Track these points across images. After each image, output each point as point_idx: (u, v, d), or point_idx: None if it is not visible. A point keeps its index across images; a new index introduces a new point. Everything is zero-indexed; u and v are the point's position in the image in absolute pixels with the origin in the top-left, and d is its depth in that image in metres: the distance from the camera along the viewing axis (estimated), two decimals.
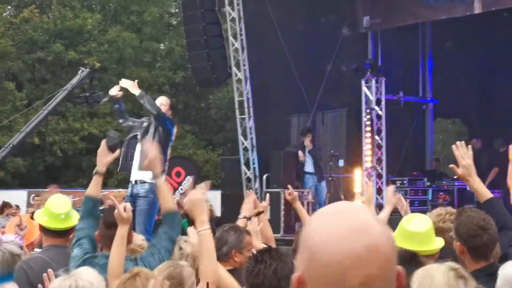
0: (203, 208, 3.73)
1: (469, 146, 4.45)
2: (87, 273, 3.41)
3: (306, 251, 1.59)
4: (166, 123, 9.57)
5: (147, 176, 8.78)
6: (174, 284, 3.86)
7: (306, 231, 1.61)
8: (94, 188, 4.81)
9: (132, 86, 9.60)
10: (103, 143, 4.80)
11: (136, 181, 9.39)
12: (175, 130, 9.86)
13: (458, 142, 3.94)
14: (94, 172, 4.83)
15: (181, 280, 3.96)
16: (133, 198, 9.17)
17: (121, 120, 10.27)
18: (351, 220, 1.58)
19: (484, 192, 4.22)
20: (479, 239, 4.02)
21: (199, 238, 3.74)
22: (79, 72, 15.67)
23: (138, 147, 9.42)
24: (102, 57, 28.62)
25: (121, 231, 4.32)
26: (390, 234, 1.58)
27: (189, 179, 16.09)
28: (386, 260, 1.54)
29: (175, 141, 29.38)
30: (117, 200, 4.51)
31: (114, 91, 10.04)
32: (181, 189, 16.15)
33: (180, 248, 4.79)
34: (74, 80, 15.47)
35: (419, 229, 4.31)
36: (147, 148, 4.67)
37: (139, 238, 5.20)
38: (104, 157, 4.81)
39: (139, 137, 9.62)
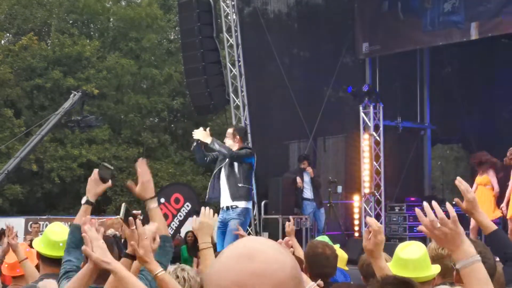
0: (210, 232, 3.97)
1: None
2: None
3: (204, 285, 1.61)
4: (242, 160, 10.27)
5: (237, 202, 10.08)
6: None
7: (209, 267, 1.61)
8: (82, 218, 4.68)
9: (205, 137, 10.10)
10: (96, 172, 4.71)
11: (227, 207, 10.25)
12: (255, 159, 10.53)
13: (458, 178, 3.93)
14: (84, 201, 4.72)
15: None
16: (223, 224, 10.07)
17: (206, 159, 10.76)
18: (242, 249, 1.56)
19: (488, 224, 4.21)
20: None
21: (159, 283, 3.75)
22: (71, 96, 15.70)
23: (223, 177, 10.33)
24: (101, 83, 28.67)
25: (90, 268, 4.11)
26: (287, 262, 1.55)
27: (188, 206, 16.05)
28: (275, 286, 1.50)
29: (173, 168, 29.31)
30: (115, 227, 4.46)
31: (198, 135, 10.38)
32: (180, 216, 16.09)
33: (177, 277, 4.75)
34: (66, 104, 15.50)
35: (412, 256, 4.33)
36: (140, 172, 4.61)
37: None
38: (95, 187, 4.72)
39: (223, 169, 10.35)
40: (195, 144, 10.46)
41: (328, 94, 17.24)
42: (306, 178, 15.35)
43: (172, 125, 33.12)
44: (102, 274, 4.21)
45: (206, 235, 3.99)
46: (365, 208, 15.50)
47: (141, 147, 29.87)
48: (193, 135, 10.28)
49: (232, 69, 16.29)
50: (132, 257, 4.05)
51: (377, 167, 15.75)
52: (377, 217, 15.59)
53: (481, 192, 12.72)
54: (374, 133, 15.74)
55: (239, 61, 16.24)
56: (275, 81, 16.65)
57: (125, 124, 29.89)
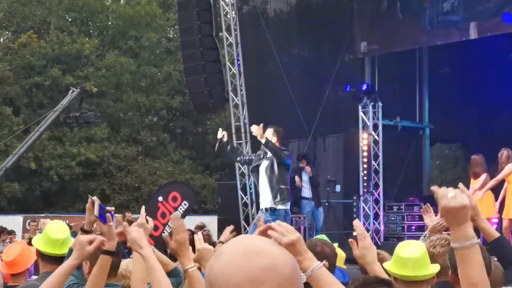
0: (187, 246, 3.85)
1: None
2: None
3: (208, 287, 1.61)
4: (285, 162, 10.68)
5: (278, 204, 10.48)
6: None
7: (208, 267, 1.62)
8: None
9: (261, 137, 10.44)
10: (91, 201, 4.68)
11: (266, 209, 10.68)
12: (291, 161, 11.16)
13: (460, 184, 3.93)
14: (81, 227, 4.73)
15: None
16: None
17: (238, 158, 11.49)
18: (245, 246, 1.60)
19: (491, 231, 4.23)
20: None
21: (188, 278, 3.78)
22: (70, 92, 15.67)
23: (262, 178, 10.75)
24: (100, 82, 28.68)
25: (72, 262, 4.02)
26: (289, 257, 1.60)
27: (186, 204, 16.03)
28: (285, 280, 1.54)
29: (172, 166, 29.36)
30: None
31: (220, 134, 11.29)
32: (177, 214, 16.05)
33: None
34: (65, 101, 15.48)
35: (411, 255, 4.34)
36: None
37: (123, 264, 5.14)
38: (91, 216, 4.72)
39: (262, 170, 10.76)
40: (228, 148, 11.27)
41: (327, 93, 17.24)
42: (305, 177, 15.36)
43: (171, 124, 33.13)
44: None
45: (187, 252, 3.88)
46: (363, 207, 15.50)
47: (140, 145, 29.89)
48: (251, 130, 10.68)
49: (231, 67, 16.30)
50: (111, 253, 4.09)
51: (376, 166, 15.75)
52: (376, 216, 15.60)
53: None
54: (373, 132, 15.74)
55: (238, 60, 16.26)
56: (274, 80, 16.66)
57: (124, 123, 29.90)
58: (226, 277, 1.55)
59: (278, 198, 10.53)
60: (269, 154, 10.74)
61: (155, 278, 3.59)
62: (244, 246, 1.60)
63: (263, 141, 10.42)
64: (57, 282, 3.91)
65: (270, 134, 10.63)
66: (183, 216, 16.31)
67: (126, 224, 4.02)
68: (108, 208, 4.45)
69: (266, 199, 10.70)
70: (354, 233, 4.32)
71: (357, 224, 4.28)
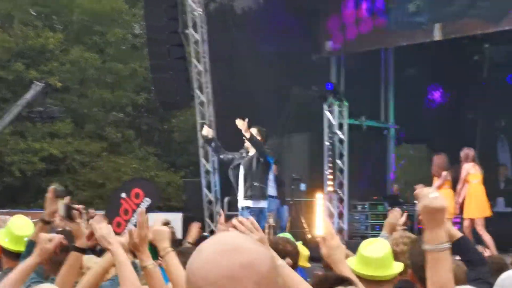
0: (165, 236, 3.88)
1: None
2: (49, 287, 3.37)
3: (187, 283, 1.62)
4: (267, 159, 10.97)
5: (251, 202, 10.72)
6: None
7: (188, 263, 1.63)
8: (38, 234, 4.63)
9: (245, 131, 10.66)
10: (52, 190, 4.64)
11: (242, 208, 10.89)
12: (273, 160, 11.49)
13: (420, 186, 3.95)
14: (41, 217, 4.68)
15: None
16: None
17: (221, 156, 11.59)
18: (224, 243, 1.61)
19: (453, 232, 4.28)
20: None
21: (146, 275, 3.79)
22: (33, 86, 15.46)
23: (241, 177, 10.93)
24: (64, 77, 28.38)
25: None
26: (267, 254, 1.61)
27: (148, 201, 15.96)
28: (263, 277, 1.56)
29: (137, 163, 29.14)
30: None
31: (205, 131, 11.63)
32: (143, 210, 15.95)
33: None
34: (28, 95, 15.27)
35: (375, 254, 4.35)
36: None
37: (92, 261, 5.10)
38: (51, 206, 4.67)
39: (242, 168, 10.97)
40: (213, 144, 11.58)
41: (293, 92, 17.27)
42: (270, 175, 15.36)
43: (137, 120, 32.93)
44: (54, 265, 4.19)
45: (163, 241, 3.92)
46: (328, 206, 15.56)
47: (105, 142, 29.64)
48: (236, 122, 10.81)
49: (198, 65, 16.24)
50: (82, 250, 4.07)
51: (341, 165, 15.82)
52: (340, 215, 15.67)
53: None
54: (338, 131, 15.80)
55: (204, 57, 16.19)
56: (240, 77, 16.64)
57: (88, 119, 29.64)
58: (204, 273, 1.56)
59: (249, 193, 10.73)
60: (251, 153, 10.95)
61: (123, 274, 3.62)
62: (223, 243, 1.61)
63: (247, 135, 10.62)
64: (18, 279, 3.87)
65: (254, 133, 10.84)
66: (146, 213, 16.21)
67: (95, 220, 4.02)
68: (76, 206, 4.41)
69: (240, 197, 10.95)
70: (320, 232, 4.34)
71: (326, 223, 4.30)
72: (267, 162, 11.00)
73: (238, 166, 11.10)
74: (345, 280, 3.42)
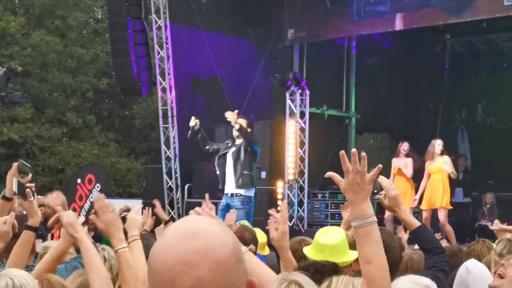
0: (118, 226, 3.82)
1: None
2: (20, 273, 3.34)
3: (148, 265, 1.62)
4: (254, 148, 11.62)
5: (243, 191, 11.35)
6: None
7: (153, 246, 1.63)
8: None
9: (235, 122, 11.39)
10: (15, 167, 4.58)
11: (232, 194, 11.44)
12: (259, 150, 12.02)
13: (381, 176, 3.98)
14: (2, 195, 4.62)
15: None
16: (227, 208, 10.93)
17: (207, 147, 12.03)
18: (185, 227, 1.60)
19: (411, 221, 4.32)
20: None
21: (118, 259, 3.83)
22: None
23: (229, 164, 11.52)
24: (25, 61, 28.05)
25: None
26: (229, 241, 1.59)
27: (98, 187, 15.80)
28: (220, 264, 1.54)
29: (97, 149, 28.97)
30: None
31: (192, 122, 11.98)
32: (91, 197, 15.75)
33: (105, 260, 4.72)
34: None
35: (329, 242, 4.38)
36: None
37: (42, 246, 5.07)
38: (11, 182, 4.60)
39: (229, 157, 11.58)
40: (199, 135, 11.92)
41: (255, 79, 17.25)
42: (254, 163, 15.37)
43: (98, 106, 32.68)
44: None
45: (134, 229, 4.02)
46: (288, 194, 15.59)
47: (65, 127, 29.38)
48: (226, 115, 11.51)
49: (160, 51, 16.13)
50: (34, 229, 4.04)
51: (302, 154, 15.86)
52: (300, 203, 15.71)
53: (399, 182, 12.94)
54: (299, 120, 15.83)
55: (166, 43, 16.09)
56: (203, 64, 16.57)
57: (49, 103, 29.32)
58: (162, 257, 1.56)
59: (240, 182, 11.34)
60: (237, 142, 11.57)
61: (90, 261, 3.62)
62: (184, 227, 1.60)
63: (237, 126, 11.34)
64: None
65: (243, 123, 11.49)
66: None
67: (60, 208, 4.00)
68: (28, 184, 4.36)
69: (230, 185, 11.48)
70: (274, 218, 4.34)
71: (283, 207, 4.31)
72: (253, 151, 11.61)
73: (224, 155, 11.68)
74: (335, 266, 3.46)
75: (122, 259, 3.71)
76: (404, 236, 6.88)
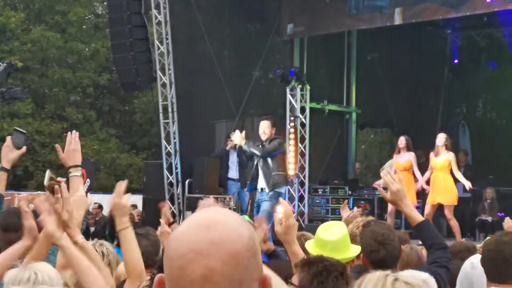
0: (125, 211, 3.98)
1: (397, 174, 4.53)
2: (46, 267, 3.30)
3: (163, 251, 1.66)
4: (271, 155, 12.06)
5: (268, 187, 11.97)
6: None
7: (171, 233, 1.67)
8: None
9: (241, 140, 12.07)
10: (9, 139, 4.57)
11: (262, 189, 12.15)
12: (283, 147, 12.69)
13: (384, 171, 3.97)
14: (1, 166, 4.59)
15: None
16: (258, 204, 12.27)
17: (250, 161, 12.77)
18: (203, 218, 1.62)
19: (414, 216, 4.29)
20: (376, 254, 4.17)
21: (121, 237, 3.91)
22: None
23: (259, 167, 12.14)
24: (25, 56, 28.04)
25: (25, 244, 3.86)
26: (245, 234, 1.60)
27: (88, 182, 15.84)
28: (232, 257, 1.55)
29: (98, 144, 28.90)
30: (36, 202, 4.27)
31: (237, 139, 12.23)
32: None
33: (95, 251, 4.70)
34: None
35: (330, 238, 4.37)
36: (68, 139, 4.50)
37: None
38: (9, 153, 4.58)
39: (259, 161, 12.17)
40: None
41: (256, 74, 17.24)
42: (233, 157, 15.36)
43: (98, 101, 32.64)
44: None
45: (122, 216, 3.98)
46: (289, 189, 15.58)
47: (65, 122, 29.35)
48: (232, 139, 12.30)
49: (160, 46, 16.10)
50: (6, 170, 4.01)
51: (302, 149, 15.84)
52: (301, 198, 15.71)
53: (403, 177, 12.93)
54: (300, 115, 15.81)
55: (167, 39, 16.05)
56: (203, 60, 16.55)
57: (49, 99, 29.30)
58: (176, 245, 1.58)
59: (271, 182, 11.91)
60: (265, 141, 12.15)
61: (77, 265, 3.53)
62: (202, 218, 1.62)
63: (243, 143, 12.03)
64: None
65: (266, 126, 12.14)
66: (86, 193, 16.04)
67: (46, 213, 3.87)
68: (59, 179, 4.27)
69: (261, 182, 12.15)
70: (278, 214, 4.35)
71: (283, 203, 4.31)
72: (278, 154, 12.23)
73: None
74: (336, 264, 3.45)
75: (84, 249, 3.66)
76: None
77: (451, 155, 12.55)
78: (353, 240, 4.50)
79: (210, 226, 1.58)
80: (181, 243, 1.57)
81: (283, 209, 4.26)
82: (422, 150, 14.60)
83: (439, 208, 12.77)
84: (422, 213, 12.32)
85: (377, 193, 16.02)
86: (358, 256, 4.43)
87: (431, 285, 3.44)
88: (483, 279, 4.11)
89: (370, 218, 5.31)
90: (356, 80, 18.80)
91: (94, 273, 3.49)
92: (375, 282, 2.82)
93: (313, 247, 4.39)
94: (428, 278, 3.40)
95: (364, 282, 2.85)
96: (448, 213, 12.31)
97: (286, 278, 3.25)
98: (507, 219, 7.14)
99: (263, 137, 12.20)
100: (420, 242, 4.60)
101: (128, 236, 3.93)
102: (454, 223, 12.21)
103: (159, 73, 16.14)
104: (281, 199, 4.47)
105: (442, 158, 12.52)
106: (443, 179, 12.45)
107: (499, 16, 15.45)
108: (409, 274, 3.39)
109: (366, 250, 4.21)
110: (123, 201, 4.04)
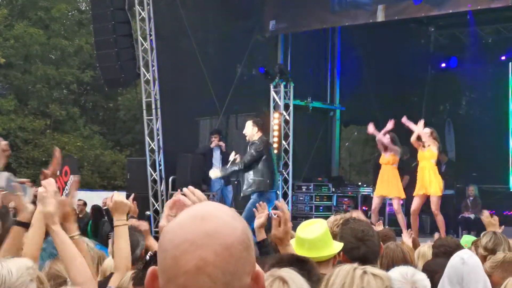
0: (125, 209, 4.32)
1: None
2: (14, 262, 3.21)
3: (158, 243, 1.67)
4: (253, 164, 11.86)
5: (249, 193, 11.95)
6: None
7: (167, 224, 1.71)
8: None
9: (216, 174, 12.58)
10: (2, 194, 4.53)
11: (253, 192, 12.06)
12: (264, 154, 11.95)
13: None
14: None
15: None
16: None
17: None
18: (199, 210, 1.64)
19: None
20: (357, 251, 4.21)
21: (117, 233, 4.21)
22: None
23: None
24: (8, 52, 27.87)
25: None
26: (239, 228, 1.62)
27: (72, 179, 15.79)
28: (226, 249, 1.57)
29: (82, 141, 28.71)
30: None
31: (233, 157, 12.29)
32: (66, 189, 15.71)
33: None
34: None
35: (308, 236, 4.35)
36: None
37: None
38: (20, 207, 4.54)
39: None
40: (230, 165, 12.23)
41: (240, 71, 17.22)
42: (216, 154, 15.34)
43: (82, 98, 32.52)
44: None
45: (121, 213, 4.25)
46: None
47: (49, 119, 29.22)
48: (209, 175, 12.55)
49: (144, 43, 16.04)
50: (25, 224, 3.97)
51: (286, 146, 15.85)
52: (284, 195, 15.71)
53: (387, 171, 12.95)
54: (284, 112, 15.81)
55: (150, 35, 15.99)
56: (187, 56, 16.50)
57: (32, 95, 29.14)
58: (171, 236, 1.60)
59: (253, 188, 11.78)
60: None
61: (67, 252, 3.59)
62: (197, 210, 1.65)
63: (220, 175, 12.63)
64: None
65: (250, 127, 11.82)
66: (70, 191, 15.97)
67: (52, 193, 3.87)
68: (20, 180, 4.33)
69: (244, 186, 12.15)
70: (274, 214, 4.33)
71: (283, 206, 4.31)
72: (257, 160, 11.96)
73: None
74: (302, 260, 3.44)
75: (76, 245, 3.71)
76: (408, 241, 7.12)
77: (433, 147, 12.56)
78: (334, 238, 4.49)
79: (205, 218, 1.60)
80: (175, 234, 1.59)
81: (282, 213, 4.27)
82: (407, 146, 14.62)
83: (424, 203, 12.72)
84: (408, 209, 12.43)
85: (360, 190, 16.07)
86: (339, 253, 4.42)
87: (424, 286, 3.46)
88: (473, 275, 4.10)
89: (348, 215, 5.29)
90: (340, 77, 18.82)
91: (83, 263, 3.55)
92: (344, 276, 2.82)
93: (294, 246, 4.38)
94: (422, 279, 3.42)
95: (333, 276, 2.86)
96: (435, 209, 12.30)
97: None
98: (485, 212, 7.17)
99: (247, 134, 12.08)
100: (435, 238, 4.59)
101: (123, 232, 4.14)
102: (440, 218, 12.21)
103: (142, 69, 16.09)
104: (277, 202, 4.44)
105: (426, 149, 12.55)
106: (427, 170, 12.43)
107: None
108: (403, 271, 3.40)
109: (347, 248, 4.21)
110: (125, 200, 4.35)
